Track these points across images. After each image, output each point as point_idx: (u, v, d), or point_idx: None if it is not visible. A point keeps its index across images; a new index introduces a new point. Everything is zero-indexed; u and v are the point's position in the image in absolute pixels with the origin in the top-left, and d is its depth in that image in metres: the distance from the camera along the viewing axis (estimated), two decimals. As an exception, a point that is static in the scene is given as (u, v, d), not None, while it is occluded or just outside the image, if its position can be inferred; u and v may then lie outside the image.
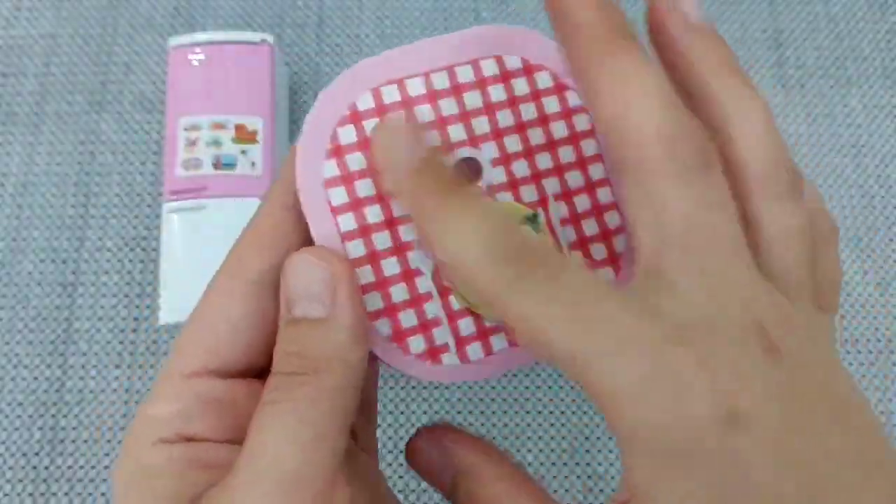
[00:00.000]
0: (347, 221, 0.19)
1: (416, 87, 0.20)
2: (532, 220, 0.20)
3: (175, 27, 0.49)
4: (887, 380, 0.43)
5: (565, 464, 0.41)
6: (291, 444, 0.15)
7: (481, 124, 0.20)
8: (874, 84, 0.50)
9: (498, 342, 0.20)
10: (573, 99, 0.20)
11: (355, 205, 0.19)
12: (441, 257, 0.15)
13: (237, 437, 0.17)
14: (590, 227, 0.20)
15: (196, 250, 0.39)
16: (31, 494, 0.39)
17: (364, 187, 0.19)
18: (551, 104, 0.20)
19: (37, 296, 0.43)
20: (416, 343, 0.20)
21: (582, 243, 0.20)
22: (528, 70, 0.20)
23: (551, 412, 0.42)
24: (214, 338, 0.18)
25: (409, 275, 0.19)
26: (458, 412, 0.42)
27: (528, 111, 0.20)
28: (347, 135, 0.19)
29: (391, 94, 0.19)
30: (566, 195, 0.20)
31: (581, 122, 0.20)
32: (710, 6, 0.51)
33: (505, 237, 0.15)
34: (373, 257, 0.19)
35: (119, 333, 0.42)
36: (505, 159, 0.20)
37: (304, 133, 0.19)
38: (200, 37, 0.42)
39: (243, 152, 0.40)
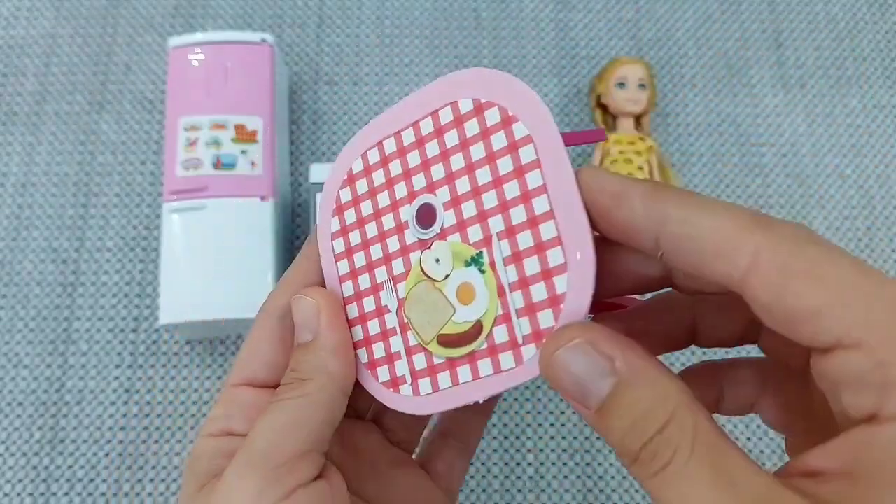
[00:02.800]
0: (343, 266, 0.23)
1: (390, 146, 0.22)
2: (476, 260, 0.20)
3: (175, 27, 0.49)
4: (887, 380, 0.43)
5: (565, 464, 0.41)
6: (267, 430, 0.20)
7: (437, 171, 0.21)
8: (874, 84, 0.50)
9: (444, 380, 0.21)
10: (519, 131, 0.19)
11: (348, 253, 0.23)
12: None
13: None
14: (531, 266, 0.19)
15: (196, 250, 0.39)
16: (31, 494, 0.39)
17: (354, 237, 0.23)
18: (498, 140, 0.20)
19: (37, 296, 0.43)
20: (383, 372, 0.22)
21: (523, 284, 0.19)
22: (478, 109, 0.20)
23: (551, 412, 0.42)
24: (248, 358, 0.23)
25: (381, 311, 0.22)
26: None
27: (478, 151, 0.20)
28: (345, 195, 0.23)
29: (374, 156, 0.22)
30: (510, 232, 0.19)
31: (526, 155, 0.19)
32: (710, 6, 0.51)
33: None
34: (358, 296, 0.23)
35: (119, 333, 0.42)
36: (455, 201, 0.20)
37: (322, 195, 0.24)
38: (200, 37, 0.42)
39: (243, 152, 0.40)
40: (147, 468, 0.40)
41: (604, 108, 0.46)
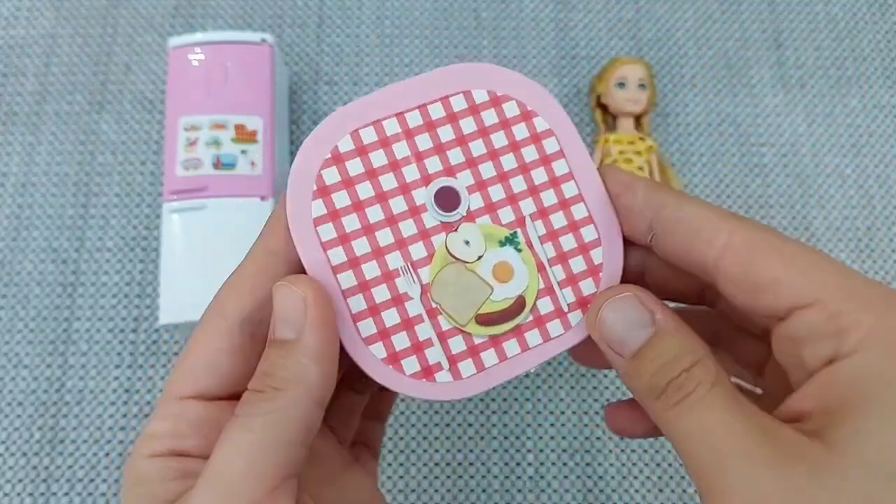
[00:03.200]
0: (337, 255, 0.21)
1: (392, 127, 0.21)
2: (511, 240, 0.21)
3: (175, 27, 0.49)
4: (887, 380, 0.43)
5: (565, 464, 0.41)
6: (237, 455, 0.18)
7: (456, 155, 0.21)
8: (874, 84, 0.50)
9: (489, 358, 0.21)
10: (541, 124, 0.22)
11: (343, 239, 0.21)
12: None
13: None
14: (568, 243, 0.22)
15: (196, 250, 0.39)
16: (31, 494, 0.39)
17: (351, 222, 0.21)
18: (520, 131, 0.22)
19: (37, 296, 0.43)
20: (410, 364, 0.21)
21: (562, 258, 0.22)
22: (494, 101, 0.22)
23: (551, 412, 0.42)
24: (202, 367, 0.20)
25: (399, 300, 0.21)
26: (458, 412, 0.42)
27: (499, 139, 0.22)
28: (331, 176, 0.21)
29: (369, 135, 0.21)
30: (543, 213, 0.22)
31: (550, 146, 0.22)
32: (710, 6, 0.51)
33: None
34: (364, 286, 0.21)
35: (119, 333, 0.42)
36: (480, 185, 0.21)
37: (291, 179, 0.21)
38: (200, 37, 0.42)
39: (243, 152, 0.40)
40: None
41: (604, 108, 0.46)
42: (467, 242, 0.21)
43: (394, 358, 0.21)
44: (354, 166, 0.21)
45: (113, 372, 0.42)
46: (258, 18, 0.49)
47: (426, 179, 0.21)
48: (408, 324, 0.21)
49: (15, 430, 0.40)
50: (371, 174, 0.21)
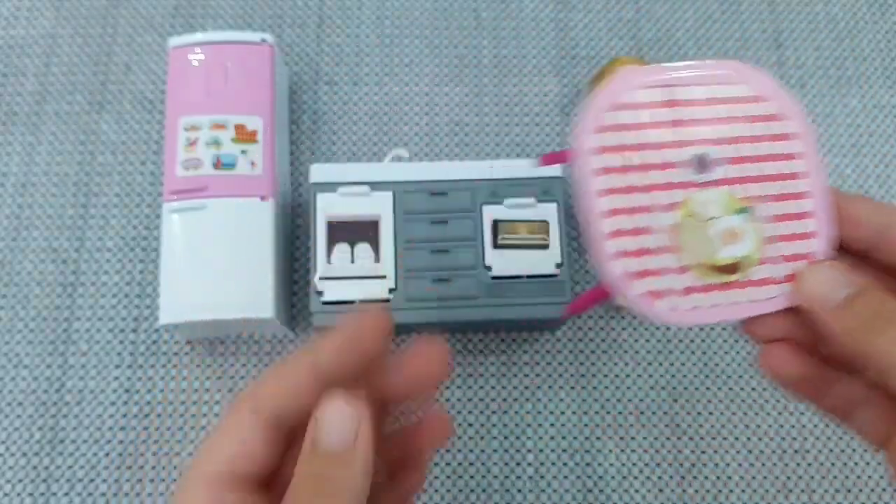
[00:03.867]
0: (602, 182, 0.24)
1: (665, 95, 0.25)
2: (745, 211, 0.26)
3: (175, 27, 0.49)
4: (887, 380, 0.43)
5: (565, 464, 0.41)
6: None
7: (721, 131, 0.25)
8: (874, 84, 0.50)
9: (702, 300, 0.25)
10: (791, 127, 0.26)
11: (606, 171, 0.24)
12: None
13: None
14: (790, 228, 0.25)
15: (196, 250, 0.39)
16: (31, 494, 0.39)
17: (613, 159, 0.24)
18: (777, 127, 0.26)
19: (37, 296, 0.43)
20: (641, 284, 0.24)
21: (783, 238, 0.25)
22: (757, 98, 0.26)
23: (551, 412, 0.42)
24: (242, 458, 0.22)
25: (647, 230, 0.24)
26: (458, 412, 0.42)
27: (760, 129, 0.26)
28: (609, 118, 0.25)
29: (644, 96, 0.25)
30: (776, 198, 0.25)
31: (795, 146, 0.26)
32: (710, 6, 0.51)
33: None
34: (617, 212, 0.24)
35: (119, 333, 0.42)
36: (733, 161, 0.25)
37: (588, 109, 0.25)
38: (200, 37, 0.42)
39: (243, 152, 0.40)
40: (147, 468, 0.40)
41: (604, 108, 0.46)
42: (709, 202, 0.25)
43: (631, 276, 0.24)
44: (627, 116, 0.25)
45: (113, 372, 0.42)
46: (258, 18, 0.49)
47: (683, 144, 0.25)
48: (649, 252, 0.25)
49: (15, 430, 0.40)
50: (638, 126, 0.25)
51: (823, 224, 0.25)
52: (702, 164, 0.26)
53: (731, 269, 0.25)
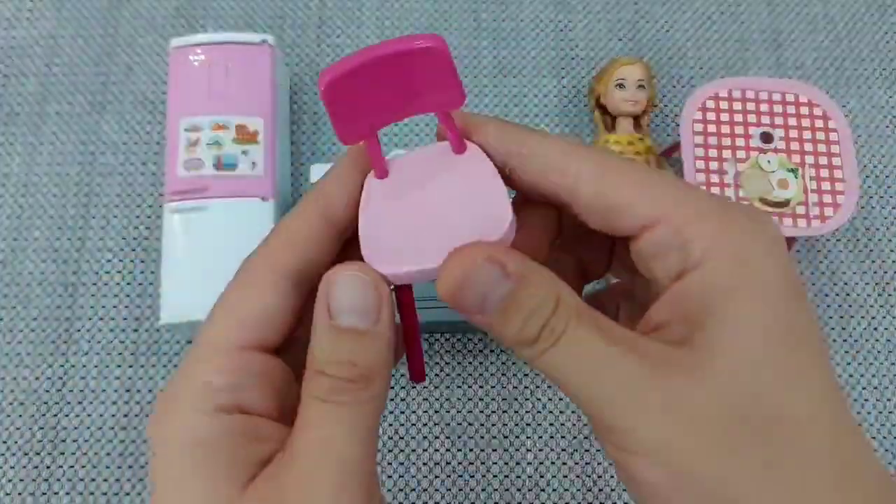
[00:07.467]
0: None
1: (738, 94, 0.41)
2: (793, 171, 0.40)
3: (176, 28, 0.49)
4: (886, 380, 0.43)
5: (565, 464, 0.41)
6: (353, 439, 0.18)
7: (782, 120, 0.41)
8: (872, 85, 0.50)
9: None
10: (832, 124, 0.40)
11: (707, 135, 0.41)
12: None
13: (279, 415, 0.20)
14: (826, 185, 0.39)
15: (197, 250, 0.39)
16: (32, 493, 0.39)
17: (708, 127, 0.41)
18: (820, 121, 0.41)
19: (38, 296, 0.43)
20: None
21: (819, 192, 0.39)
22: (810, 104, 0.41)
23: (551, 412, 0.42)
24: (262, 319, 0.20)
25: (722, 172, 0.40)
26: (458, 412, 0.42)
27: (808, 122, 0.41)
28: (710, 104, 0.41)
29: (724, 93, 0.41)
30: (815, 167, 0.40)
31: (833, 136, 0.40)
32: (709, 6, 0.51)
33: None
34: (707, 158, 0.41)
35: (120, 333, 0.42)
36: (788, 140, 0.40)
37: (696, 92, 0.41)
38: (201, 37, 0.42)
39: (244, 153, 0.40)
40: (148, 468, 0.40)
41: (603, 108, 0.46)
42: (769, 162, 0.40)
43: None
44: (710, 104, 0.41)
45: (114, 372, 0.42)
46: (259, 19, 0.50)
47: (748, 126, 0.41)
48: (720, 185, 0.39)
49: (16, 429, 0.41)
50: (729, 111, 0.41)
51: (850, 186, 0.39)
52: (766, 138, 0.40)
53: (782, 205, 0.39)
